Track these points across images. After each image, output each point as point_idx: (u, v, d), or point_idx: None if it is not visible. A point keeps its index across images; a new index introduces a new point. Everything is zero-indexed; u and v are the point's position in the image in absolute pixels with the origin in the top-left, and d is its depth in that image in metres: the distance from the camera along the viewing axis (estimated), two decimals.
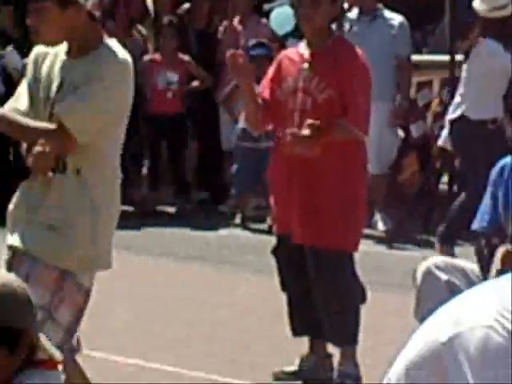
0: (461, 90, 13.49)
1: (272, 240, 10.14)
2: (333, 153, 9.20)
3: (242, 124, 15.70)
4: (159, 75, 16.71)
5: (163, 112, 16.85)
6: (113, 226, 7.55)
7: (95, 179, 7.34)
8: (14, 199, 7.61)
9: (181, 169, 17.36)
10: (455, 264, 8.17)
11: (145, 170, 17.82)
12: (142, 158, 17.77)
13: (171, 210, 16.98)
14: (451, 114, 13.85)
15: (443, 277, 8.01)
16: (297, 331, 9.68)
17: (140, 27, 17.46)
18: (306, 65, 9.42)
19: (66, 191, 7.32)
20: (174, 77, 16.67)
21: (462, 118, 13.59)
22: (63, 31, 7.32)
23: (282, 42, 15.55)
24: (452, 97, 15.19)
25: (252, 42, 16.34)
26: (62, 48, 7.42)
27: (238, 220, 16.10)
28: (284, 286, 9.68)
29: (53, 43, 7.38)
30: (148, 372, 9.86)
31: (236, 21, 17.37)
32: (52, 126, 7.28)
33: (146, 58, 16.97)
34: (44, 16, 7.28)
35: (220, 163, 17.43)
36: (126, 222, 16.01)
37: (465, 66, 14.00)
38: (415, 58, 15.63)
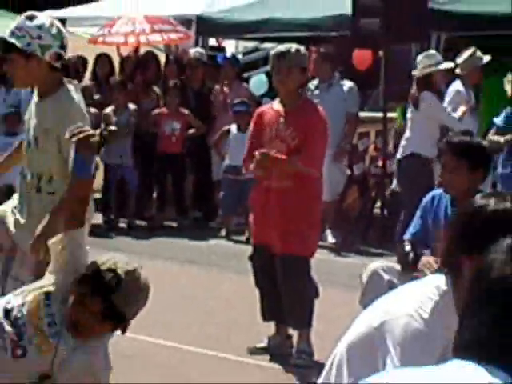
0: (407, 134, 13.44)
1: (249, 249, 10.36)
2: (298, 186, 9.36)
3: (227, 161, 16.03)
4: (166, 124, 16.66)
5: (169, 152, 16.70)
6: None
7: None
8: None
9: (181, 194, 17.30)
10: (393, 267, 8.23)
11: (154, 195, 17.64)
12: (152, 186, 17.46)
13: (174, 224, 16.96)
14: (400, 154, 13.88)
15: (385, 276, 8.01)
16: (266, 317, 9.80)
17: (154, 87, 17.32)
18: (282, 119, 9.49)
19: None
20: (177, 125, 16.60)
21: (409, 155, 13.56)
22: (29, 78, 7.40)
23: (258, 101, 15.53)
24: (385, 143, 15.37)
25: (236, 100, 16.29)
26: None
27: (223, 233, 16.15)
28: (257, 283, 9.80)
29: (22, 87, 8.19)
30: (154, 347, 9.90)
31: (224, 85, 17.12)
32: None
33: (157, 111, 16.76)
34: (13, 65, 7.34)
35: (211, 190, 17.42)
36: (140, 233, 15.94)
37: (409, 115, 14.00)
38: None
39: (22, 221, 7.35)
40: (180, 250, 14.74)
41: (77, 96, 7.39)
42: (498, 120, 12.48)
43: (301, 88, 9.88)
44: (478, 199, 4.32)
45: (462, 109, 13.35)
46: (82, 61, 18.74)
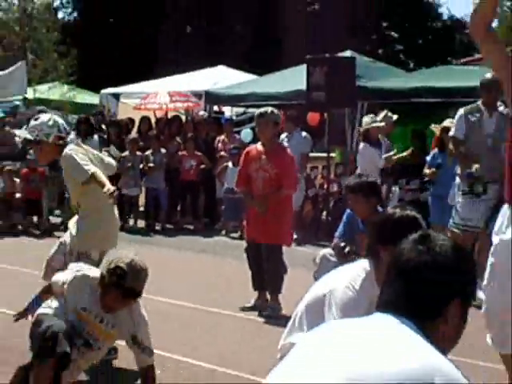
0: (358, 170, 12.90)
1: (241, 243, 10.60)
2: (279, 200, 9.45)
3: (225, 186, 15.92)
4: (186, 162, 16.51)
5: (188, 180, 16.52)
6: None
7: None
8: None
9: (196, 207, 17.05)
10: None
11: (178, 208, 17.35)
12: (177, 202, 17.16)
13: (191, 227, 16.62)
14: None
15: (331, 259, 7.96)
16: (254, 287, 9.68)
17: (177, 138, 17.13)
18: (264, 156, 9.50)
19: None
20: (193, 162, 16.51)
21: None
22: (44, 155, 7.65)
23: (246, 146, 15.32)
24: (328, 173, 15.19)
25: (231, 146, 16.25)
26: None
27: (224, 232, 15.91)
28: (249, 266, 9.71)
29: (45, 162, 7.87)
30: (177, 306, 9.64)
31: (224, 136, 16.97)
32: None
33: (180, 153, 16.61)
34: (34, 150, 8.04)
35: (215, 204, 17.18)
36: (169, 233, 15.80)
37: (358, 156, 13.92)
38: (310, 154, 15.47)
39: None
40: (195, 244, 14.64)
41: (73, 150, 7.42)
42: (428, 158, 12.20)
43: (275, 136, 9.88)
44: (389, 209, 4.42)
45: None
46: (131, 121, 18.73)
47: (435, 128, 12.29)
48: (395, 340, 2.51)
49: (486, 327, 5.84)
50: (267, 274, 9.43)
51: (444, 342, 2.62)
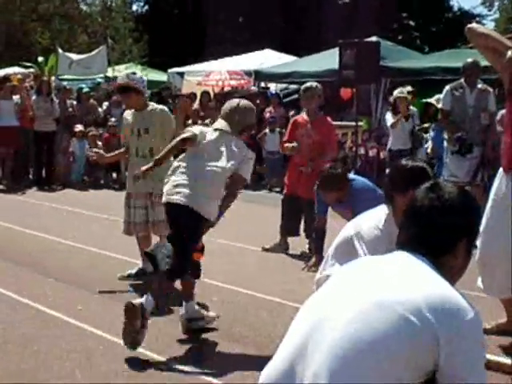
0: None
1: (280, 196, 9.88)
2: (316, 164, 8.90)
3: (266, 149, 15.84)
4: None
5: None
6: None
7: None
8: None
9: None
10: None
11: None
12: None
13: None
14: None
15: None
16: (281, 232, 9.47)
17: None
18: (309, 125, 9.25)
19: None
20: None
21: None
22: (135, 104, 7.52)
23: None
24: (356, 139, 14.92)
25: (271, 116, 15.80)
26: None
27: (268, 187, 15.87)
28: (283, 214, 9.53)
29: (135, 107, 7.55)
30: (229, 246, 9.55)
31: (271, 107, 16.73)
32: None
33: None
34: (130, 97, 7.49)
35: (261, 164, 16.71)
36: None
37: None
38: (341, 123, 15.30)
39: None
40: (245, 196, 14.68)
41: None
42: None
43: (318, 107, 9.45)
44: (402, 161, 4.40)
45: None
46: (193, 95, 18.74)
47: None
48: (414, 272, 2.54)
49: (479, 273, 5.83)
50: (307, 221, 9.09)
51: (452, 274, 2.64)
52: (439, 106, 10.49)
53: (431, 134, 12.86)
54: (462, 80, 10.00)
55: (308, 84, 9.50)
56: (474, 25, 5.81)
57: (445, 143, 10.28)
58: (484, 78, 10.12)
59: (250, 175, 6.11)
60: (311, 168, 9.00)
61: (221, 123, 6.17)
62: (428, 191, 2.72)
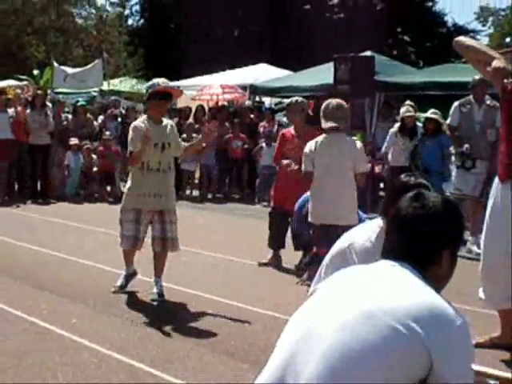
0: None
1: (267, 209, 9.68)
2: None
3: (261, 163, 15.83)
4: (233, 143, 16.43)
5: (235, 157, 16.86)
6: None
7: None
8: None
9: (241, 180, 17.21)
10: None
11: (227, 181, 17.40)
12: (226, 176, 17.29)
13: (236, 196, 16.70)
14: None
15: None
16: (271, 246, 9.46)
17: (226, 123, 17.04)
18: (296, 139, 9.23)
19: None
20: (239, 143, 16.47)
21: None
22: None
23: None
24: None
25: (266, 130, 15.83)
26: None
27: (257, 201, 15.54)
28: (271, 227, 9.52)
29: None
30: (221, 259, 9.53)
31: (265, 122, 16.78)
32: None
33: (228, 135, 16.50)
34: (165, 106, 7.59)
35: (256, 178, 16.69)
36: (219, 200, 15.84)
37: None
38: None
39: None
40: (240, 210, 14.77)
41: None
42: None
43: (303, 120, 9.38)
44: (402, 177, 4.43)
45: None
46: (189, 109, 18.78)
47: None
48: (400, 281, 2.57)
49: (481, 283, 5.87)
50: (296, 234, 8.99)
51: (437, 282, 2.65)
52: (447, 121, 10.62)
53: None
54: (471, 96, 10.18)
55: (291, 99, 9.57)
56: (461, 38, 5.91)
57: (452, 158, 10.50)
58: (492, 94, 10.20)
59: None
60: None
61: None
62: (412, 200, 2.74)
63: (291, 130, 9.55)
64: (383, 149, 13.41)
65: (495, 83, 5.62)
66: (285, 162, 8.97)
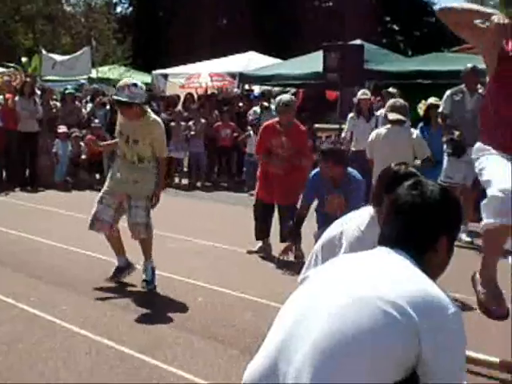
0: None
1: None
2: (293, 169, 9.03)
3: (247, 151, 15.69)
4: (222, 131, 16.42)
5: (223, 146, 16.94)
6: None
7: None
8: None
9: (230, 168, 17.27)
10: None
11: (216, 169, 17.29)
12: (214, 164, 17.28)
13: (225, 184, 16.71)
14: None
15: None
16: (257, 237, 9.42)
17: (215, 111, 16.99)
18: (284, 137, 9.11)
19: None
20: (228, 131, 16.33)
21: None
22: (133, 116, 7.35)
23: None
24: (339, 140, 14.96)
25: (253, 118, 15.90)
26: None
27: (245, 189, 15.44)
28: (255, 218, 9.46)
29: (132, 118, 7.37)
30: (210, 246, 9.47)
31: (252, 110, 16.73)
32: None
33: (217, 124, 16.43)
34: (125, 110, 7.35)
35: (242, 165, 16.59)
36: (208, 189, 15.83)
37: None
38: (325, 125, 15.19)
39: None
40: (228, 198, 14.74)
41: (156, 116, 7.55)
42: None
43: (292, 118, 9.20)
44: (394, 166, 4.42)
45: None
46: (177, 97, 18.76)
47: (423, 105, 12.26)
48: (395, 268, 2.57)
49: None
50: (284, 226, 9.01)
51: (433, 270, 2.66)
52: (439, 109, 10.61)
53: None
54: (463, 85, 10.18)
55: (287, 99, 9.30)
56: (448, 5, 5.04)
57: (444, 146, 10.37)
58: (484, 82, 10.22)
59: None
60: (282, 167, 9.06)
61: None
62: (410, 188, 2.75)
63: (275, 124, 9.28)
64: (343, 134, 13.58)
65: (489, 50, 4.86)
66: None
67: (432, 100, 11.57)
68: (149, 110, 7.49)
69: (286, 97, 9.48)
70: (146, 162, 7.36)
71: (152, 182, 7.38)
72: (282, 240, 8.98)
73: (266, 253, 9.26)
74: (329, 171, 7.50)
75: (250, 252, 9.28)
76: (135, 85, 7.26)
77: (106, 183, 7.59)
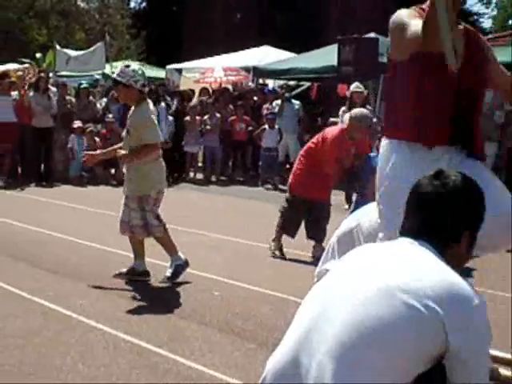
0: None
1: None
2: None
3: (263, 145, 16.09)
4: (237, 125, 16.57)
5: (238, 139, 17.00)
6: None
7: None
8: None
9: (245, 162, 17.43)
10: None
11: (231, 163, 17.31)
12: (229, 158, 17.55)
13: (240, 179, 16.73)
14: None
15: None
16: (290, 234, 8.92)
17: (230, 105, 16.98)
18: (353, 149, 8.69)
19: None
20: (243, 125, 16.50)
21: None
22: (127, 98, 7.27)
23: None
24: None
25: (269, 112, 15.81)
26: None
27: (260, 183, 15.58)
28: (286, 214, 8.88)
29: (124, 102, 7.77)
30: (226, 240, 9.45)
31: (268, 104, 16.71)
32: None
33: (232, 118, 16.55)
34: (120, 92, 7.35)
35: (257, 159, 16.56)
36: (224, 183, 15.85)
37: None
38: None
39: None
40: (244, 192, 14.78)
41: (151, 105, 7.32)
42: None
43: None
44: None
45: None
46: (192, 92, 18.76)
47: None
48: (418, 259, 2.54)
49: None
50: (317, 223, 8.59)
51: (455, 262, 2.63)
52: None
53: None
54: None
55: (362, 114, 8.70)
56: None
57: None
58: None
59: None
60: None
61: None
62: (433, 179, 2.71)
63: (344, 134, 8.58)
64: None
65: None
66: None
67: None
68: (148, 100, 7.33)
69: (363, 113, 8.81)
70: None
71: (145, 181, 7.16)
72: (313, 238, 8.71)
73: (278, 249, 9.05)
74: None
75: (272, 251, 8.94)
76: (127, 66, 7.39)
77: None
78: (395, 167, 4.13)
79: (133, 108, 7.25)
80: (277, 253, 8.78)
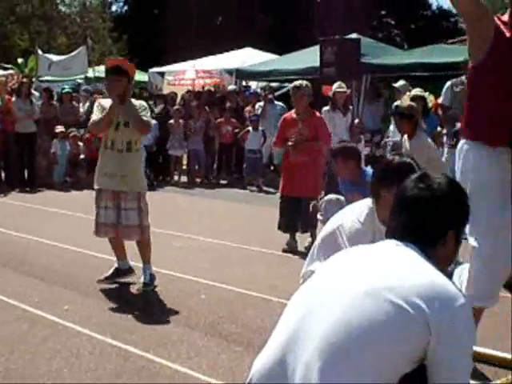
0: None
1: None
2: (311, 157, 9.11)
3: (247, 147, 16.18)
4: (223, 128, 16.40)
5: (224, 142, 16.88)
6: None
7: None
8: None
9: (229, 165, 17.20)
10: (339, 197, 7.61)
11: (215, 166, 17.31)
12: (214, 161, 17.43)
13: (224, 181, 16.46)
14: None
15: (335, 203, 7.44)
16: (283, 229, 9.35)
17: (215, 108, 16.99)
18: (300, 124, 9.21)
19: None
20: (229, 128, 16.33)
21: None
22: (119, 91, 7.05)
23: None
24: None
25: (252, 114, 15.88)
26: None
27: (245, 185, 15.43)
28: (282, 214, 9.37)
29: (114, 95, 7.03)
30: (212, 243, 9.47)
31: (250, 106, 16.74)
32: None
33: (218, 120, 16.37)
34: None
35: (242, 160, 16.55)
36: (208, 186, 15.80)
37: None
38: None
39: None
40: (228, 195, 14.76)
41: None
42: None
43: (308, 105, 9.34)
44: (389, 156, 4.42)
45: None
46: (175, 94, 18.74)
47: (407, 97, 12.18)
48: (404, 261, 2.56)
49: None
50: (306, 218, 8.90)
51: (441, 263, 2.66)
52: (439, 101, 10.63)
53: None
54: (463, 77, 10.05)
55: (298, 82, 9.39)
56: None
57: (444, 138, 10.41)
58: None
59: None
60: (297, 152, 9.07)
61: None
62: (417, 181, 2.74)
63: (292, 113, 9.44)
64: None
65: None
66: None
67: (416, 91, 11.42)
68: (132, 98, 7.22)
69: (297, 81, 9.50)
70: (134, 150, 7.08)
71: (141, 174, 7.17)
72: (305, 231, 9.15)
73: (291, 248, 9.16)
74: (342, 170, 7.59)
75: (284, 251, 9.10)
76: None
77: (96, 180, 7.21)
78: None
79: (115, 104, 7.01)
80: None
